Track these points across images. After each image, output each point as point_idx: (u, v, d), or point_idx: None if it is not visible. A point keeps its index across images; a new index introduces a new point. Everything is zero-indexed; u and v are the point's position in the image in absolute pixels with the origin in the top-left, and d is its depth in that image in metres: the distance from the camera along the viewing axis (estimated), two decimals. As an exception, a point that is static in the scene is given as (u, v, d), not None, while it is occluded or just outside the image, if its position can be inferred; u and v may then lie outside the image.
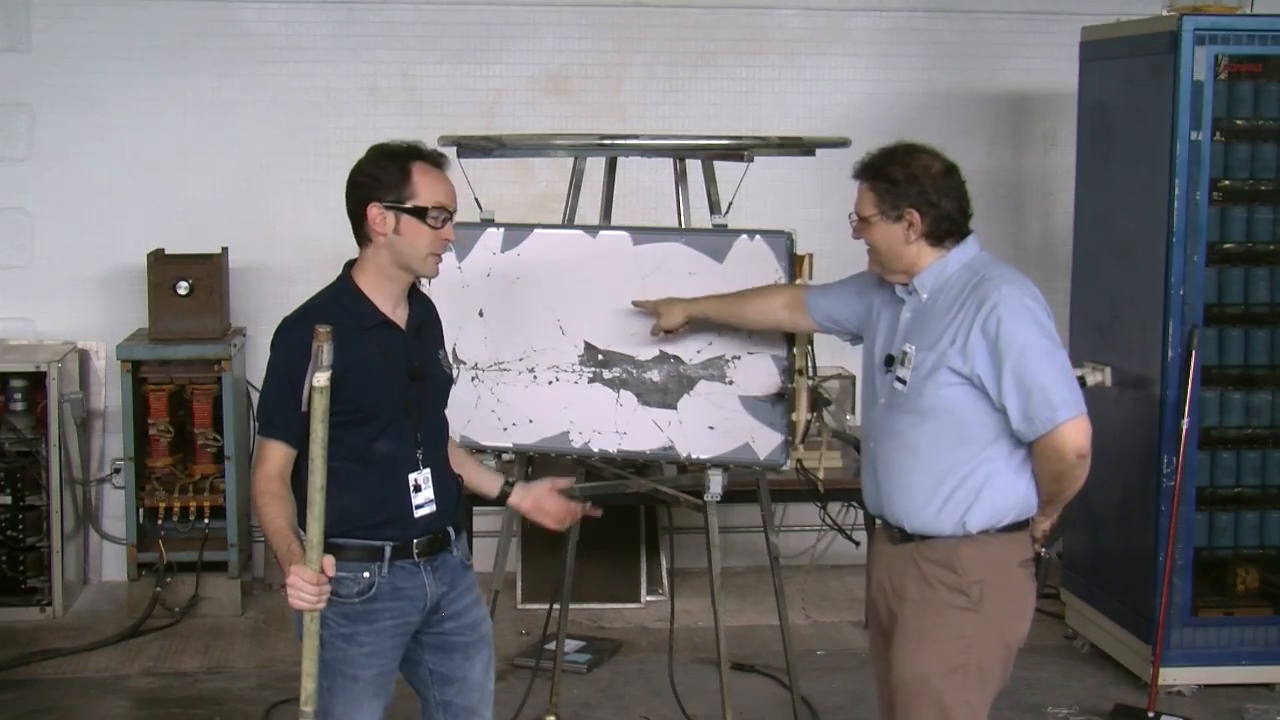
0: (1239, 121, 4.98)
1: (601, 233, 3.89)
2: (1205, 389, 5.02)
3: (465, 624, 3.37)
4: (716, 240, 3.78)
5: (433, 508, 3.27)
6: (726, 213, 4.02)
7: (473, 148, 4.10)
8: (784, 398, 3.73)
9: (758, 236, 3.74)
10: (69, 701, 5.01)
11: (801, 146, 4.34)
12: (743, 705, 4.94)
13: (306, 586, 2.99)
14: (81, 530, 6.04)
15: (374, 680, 3.23)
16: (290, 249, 6.17)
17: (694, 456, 3.84)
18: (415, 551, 3.23)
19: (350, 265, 3.28)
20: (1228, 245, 5.03)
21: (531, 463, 4.61)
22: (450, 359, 3.83)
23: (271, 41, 6.17)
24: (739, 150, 4.07)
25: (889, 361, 3.34)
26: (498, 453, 4.02)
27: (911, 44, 6.46)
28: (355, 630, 3.17)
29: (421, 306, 3.34)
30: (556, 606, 4.64)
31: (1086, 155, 5.53)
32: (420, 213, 3.18)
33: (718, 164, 4.14)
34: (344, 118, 6.15)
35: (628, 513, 5.97)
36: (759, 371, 3.74)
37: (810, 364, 3.77)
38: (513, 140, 4.46)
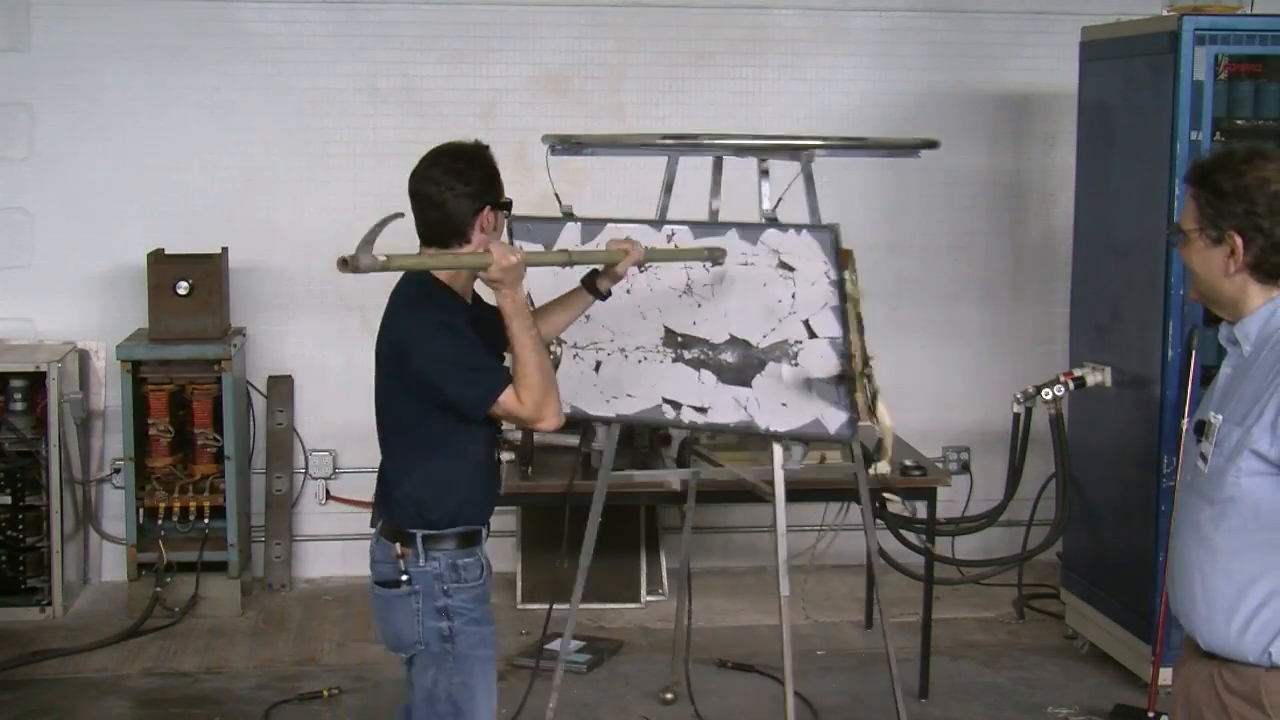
0: (1239, 121, 4.98)
1: (666, 226, 4.09)
2: (1205, 389, 5.01)
3: None
4: (767, 233, 3.95)
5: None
6: (775, 208, 4.13)
7: (566, 145, 4.30)
8: (844, 379, 3.91)
9: (805, 230, 3.91)
10: (69, 701, 5.01)
11: (893, 146, 4.59)
12: (743, 705, 4.95)
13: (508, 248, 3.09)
14: (81, 530, 6.04)
15: (493, 659, 3.35)
16: (290, 249, 6.16)
17: (772, 429, 4.03)
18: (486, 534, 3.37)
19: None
20: (1228, 245, 5.03)
21: (633, 435, 5.03)
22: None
23: (271, 41, 6.17)
24: (797, 150, 4.20)
25: (1199, 429, 2.75)
26: (605, 422, 4.33)
27: (911, 44, 6.46)
28: (484, 612, 3.31)
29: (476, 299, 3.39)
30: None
31: (1086, 155, 5.53)
32: (508, 206, 3.30)
33: (772, 162, 4.27)
34: (344, 118, 6.13)
35: (628, 513, 5.97)
36: (819, 355, 3.93)
37: (862, 352, 3.93)
38: (608, 139, 4.83)
